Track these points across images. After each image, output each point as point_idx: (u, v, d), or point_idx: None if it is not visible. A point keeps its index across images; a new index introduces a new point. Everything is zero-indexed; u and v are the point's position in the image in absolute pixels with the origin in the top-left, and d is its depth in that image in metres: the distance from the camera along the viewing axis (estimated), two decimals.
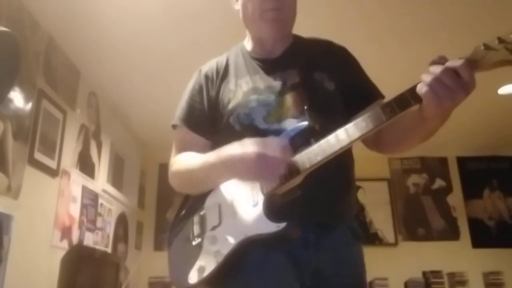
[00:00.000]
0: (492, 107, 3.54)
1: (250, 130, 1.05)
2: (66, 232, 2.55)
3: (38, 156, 2.26)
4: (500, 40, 0.76)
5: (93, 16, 2.34)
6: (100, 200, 3.15)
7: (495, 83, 3.21)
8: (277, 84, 1.10)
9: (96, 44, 2.60)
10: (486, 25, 2.37)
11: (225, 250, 0.96)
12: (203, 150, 1.13)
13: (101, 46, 2.63)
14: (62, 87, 2.60)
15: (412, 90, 0.84)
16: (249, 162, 0.90)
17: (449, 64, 0.80)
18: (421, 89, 0.81)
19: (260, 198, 0.96)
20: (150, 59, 2.79)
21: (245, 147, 0.92)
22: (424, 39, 2.59)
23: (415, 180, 4.66)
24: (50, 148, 2.42)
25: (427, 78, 0.80)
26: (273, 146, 0.91)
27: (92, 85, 3.03)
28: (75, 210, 2.70)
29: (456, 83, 0.78)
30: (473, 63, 0.78)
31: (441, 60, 0.81)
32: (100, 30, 2.46)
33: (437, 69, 0.80)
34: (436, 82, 0.79)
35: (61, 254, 2.36)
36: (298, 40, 1.22)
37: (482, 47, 0.78)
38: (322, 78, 1.11)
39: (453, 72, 0.78)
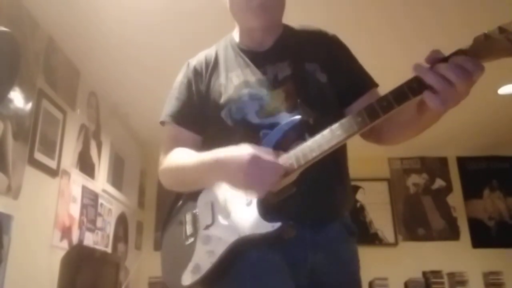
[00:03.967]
0: (492, 107, 3.54)
1: (243, 125, 1.03)
2: (66, 232, 2.55)
3: (38, 156, 2.26)
4: (502, 30, 0.73)
5: (93, 16, 2.34)
6: (100, 200, 3.15)
7: (495, 83, 3.21)
8: (268, 77, 1.08)
9: (96, 44, 2.60)
10: (481, 20, 2.35)
11: (219, 251, 0.94)
12: (194, 146, 1.10)
13: (101, 46, 2.63)
14: (62, 87, 2.60)
15: (410, 83, 0.80)
16: (242, 161, 0.88)
17: (456, 61, 0.74)
18: (428, 97, 0.76)
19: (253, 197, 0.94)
20: (150, 59, 2.79)
21: (241, 148, 0.90)
22: (419, 36, 2.57)
23: (415, 180, 4.66)
24: (50, 148, 2.41)
25: (432, 80, 0.75)
26: (267, 151, 0.90)
27: (92, 85, 3.03)
28: (75, 210, 2.70)
29: (467, 84, 0.74)
30: (473, 54, 0.75)
31: (437, 55, 0.78)
32: (100, 30, 2.46)
33: (442, 70, 0.75)
34: (444, 85, 0.74)
35: (61, 254, 2.36)
36: (288, 30, 1.19)
37: (483, 37, 0.74)
38: (314, 70, 1.09)
39: (464, 70, 0.73)
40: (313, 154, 0.88)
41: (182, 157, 1.08)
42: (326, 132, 0.88)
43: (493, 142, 4.36)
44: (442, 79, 0.75)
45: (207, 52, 1.20)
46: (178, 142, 1.12)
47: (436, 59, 0.77)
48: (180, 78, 1.19)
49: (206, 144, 1.11)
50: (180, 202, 1.12)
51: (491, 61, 0.76)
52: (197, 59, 1.19)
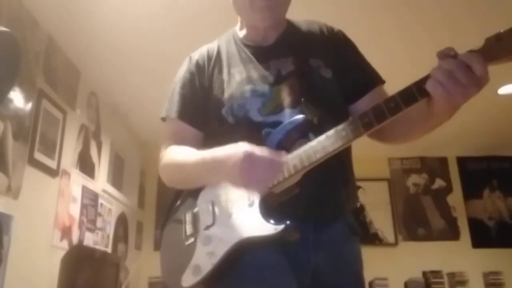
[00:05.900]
0: (492, 107, 3.54)
1: (244, 122, 1.01)
2: (66, 232, 2.54)
3: (38, 156, 2.26)
4: None
5: (93, 16, 2.34)
6: (100, 200, 3.14)
7: (495, 83, 3.20)
8: (271, 73, 1.05)
9: (96, 44, 2.60)
10: (492, 21, 2.34)
11: (220, 252, 0.91)
12: (195, 142, 1.08)
13: (101, 46, 2.63)
14: (62, 87, 2.60)
15: (419, 84, 0.79)
16: (236, 159, 0.86)
17: (462, 58, 0.74)
18: (433, 86, 0.76)
19: (256, 197, 0.91)
20: (150, 59, 2.78)
21: (237, 146, 0.89)
22: (428, 36, 2.57)
23: (415, 180, 4.66)
24: (50, 148, 2.41)
25: (439, 75, 0.75)
26: (264, 149, 0.87)
27: (92, 85, 3.03)
28: (75, 210, 2.70)
29: (470, 79, 0.73)
30: (484, 56, 0.74)
31: (449, 52, 0.76)
32: (100, 30, 2.46)
33: (449, 65, 0.74)
34: (450, 79, 0.74)
35: (61, 254, 2.36)
36: (292, 25, 1.17)
37: (494, 38, 0.73)
38: (318, 66, 1.06)
39: (467, 68, 0.73)
40: (317, 156, 0.87)
41: (181, 154, 1.06)
42: (331, 133, 0.86)
43: (493, 142, 4.36)
44: (450, 78, 0.74)
45: (209, 46, 1.18)
46: (179, 138, 1.10)
47: (448, 56, 0.76)
48: (182, 72, 1.16)
49: (207, 141, 1.09)
50: (180, 201, 1.10)
51: (500, 64, 0.75)
52: (199, 53, 1.17)
